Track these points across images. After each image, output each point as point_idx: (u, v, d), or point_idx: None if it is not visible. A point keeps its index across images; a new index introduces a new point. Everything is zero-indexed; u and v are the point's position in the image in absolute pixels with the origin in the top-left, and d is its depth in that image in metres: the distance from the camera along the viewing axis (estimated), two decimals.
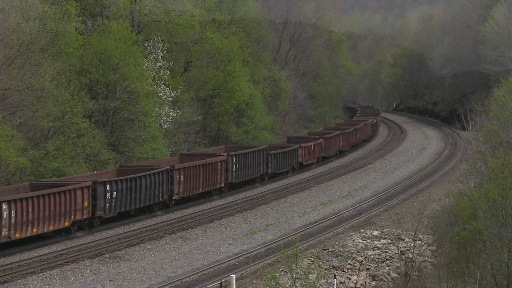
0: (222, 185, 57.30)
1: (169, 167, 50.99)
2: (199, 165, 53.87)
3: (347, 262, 41.96)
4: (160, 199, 50.18)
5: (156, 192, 49.38)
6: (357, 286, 37.91)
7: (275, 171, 66.44)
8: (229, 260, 40.08)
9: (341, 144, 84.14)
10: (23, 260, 38.11)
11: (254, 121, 78.46)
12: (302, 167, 73.00)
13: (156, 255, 41.20)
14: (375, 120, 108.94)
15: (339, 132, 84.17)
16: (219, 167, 56.41)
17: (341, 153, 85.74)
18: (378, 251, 44.63)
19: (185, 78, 71.58)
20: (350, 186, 65.96)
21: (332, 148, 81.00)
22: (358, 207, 56.53)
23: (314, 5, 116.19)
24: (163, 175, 50.05)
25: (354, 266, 41.23)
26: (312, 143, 74.16)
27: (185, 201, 54.23)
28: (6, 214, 37.67)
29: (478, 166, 41.98)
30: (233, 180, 59.07)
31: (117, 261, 39.43)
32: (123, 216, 48.41)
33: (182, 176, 51.76)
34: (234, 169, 58.73)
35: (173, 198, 51.46)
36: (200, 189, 54.42)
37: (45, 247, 41.04)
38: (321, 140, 77.01)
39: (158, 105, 62.20)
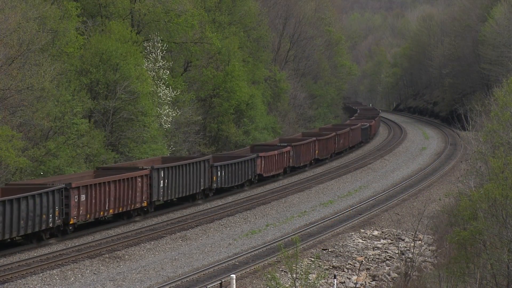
0: (144, 204, 48.42)
1: (64, 185, 42.24)
2: (108, 181, 45.15)
3: (347, 262, 41.96)
4: (51, 224, 41.21)
5: (45, 217, 40.79)
6: (357, 286, 37.90)
7: (223, 185, 57.70)
8: (229, 260, 40.08)
9: (316, 152, 75.94)
10: (23, 260, 38.10)
11: (254, 122, 78.45)
12: (263, 180, 64.76)
13: (156, 255, 41.20)
14: (368, 124, 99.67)
15: (314, 138, 75.69)
16: (140, 184, 47.62)
17: (318, 161, 77.59)
18: (378, 251, 44.63)
19: (185, 78, 71.58)
20: (350, 186, 65.97)
21: (304, 156, 72.49)
22: (358, 207, 56.53)
23: (314, 5, 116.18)
24: (52, 196, 41.15)
25: (354, 266, 41.22)
26: (275, 152, 65.61)
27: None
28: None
29: (478, 166, 41.97)
30: (161, 198, 50.21)
31: (117, 261, 39.43)
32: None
33: (82, 196, 43.09)
34: (162, 185, 49.70)
35: (70, 222, 42.69)
36: (111, 211, 45.64)
37: (45, 247, 41.03)
38: (288, 148, 68.62)
39: (158, 105, 62.19)
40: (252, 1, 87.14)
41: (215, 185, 56.31)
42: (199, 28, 68.73)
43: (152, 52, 64.79)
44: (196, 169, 53.74)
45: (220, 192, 58.40)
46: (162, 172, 50.02)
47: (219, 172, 56.61)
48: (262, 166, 63.31)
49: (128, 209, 47.34)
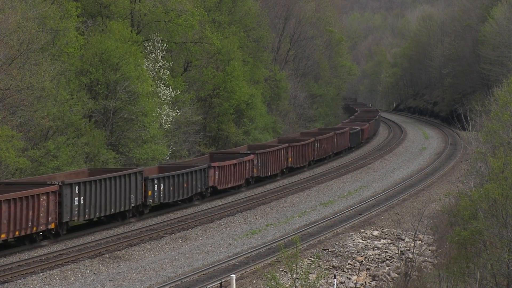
0: (52, 226, 41.72)
1: None
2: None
3: (347, 262, 41.96)
4: None
5: None
6: (357, 286, 37.90)
7: (164, 200, 50.83)
8: (229, 260, 40.07)
9: (289, 160, 69.48)
10: (23, 260, 38.09)
11: (254, 122, 78.44)
12: (218, 193, 57.99)
13: (156, 255, 41.20)
14: (359, 128, 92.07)
15: (286, 145, 69.17)
16: (44, 202, 40.97)
17: (293, 170, 71.39)
18: (378, 251, 44.63)
19: (185, 78, 71.58)
20: (350, 186, 65.96)
21: (273, 165, 65.77)
22: (358, 207, 56.53)
23: (314, 5, 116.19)
24: None
25: (354, 266, 41.22)
26: (234, 161, 58.94)
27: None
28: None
29: (478, 166, 41.97)
30: (76, 218, 43.38)
31: (117, 261, 39.43)
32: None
33: None
34: (77, 203, 43.13)
35: None
36: (3, 235, 38.66)
37: (45, 247, 41.03)
38: (251, 156, 61.93)
39: (158, 105, 62.19)
40: (252, 1, 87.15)
41: (150, 200, 49.41)
42: (199, 28, 68.74)
43: (152, 52, 64.80)
44: (124, 183, 46.97)
45: (159, 208, 52.10)
46: (76, 188, 43.12)
47: (156, 186, 49.65)
48: (217, 177, 56.32)
49: (28, 232, 40.37)
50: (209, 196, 56.46)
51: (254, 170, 62.55)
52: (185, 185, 52.69)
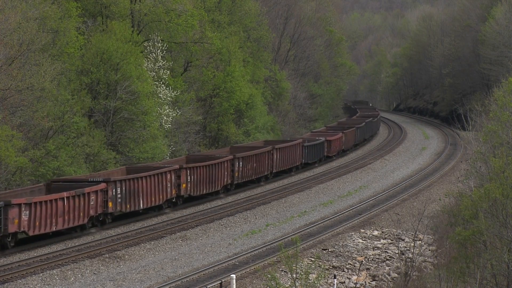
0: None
1: None
2: None
3: (347, 262, 41.96)
4: None
5: None
6: (357, 286, 37.90)
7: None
8: (229, 260, 40.08)
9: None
10: (23, 260, 38.10)
11: (254, 122, 78.44)
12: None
13: (156, 255, 41.20)
14: (323, 140, 76.93)
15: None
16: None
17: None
18: (378, 251, 44.64)
19: (185, 78, 71.57)
20: (350, 186, 65.96)
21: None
22: (358, 207, 56.54)
23: (314, 5, 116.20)
24: None
25: (354, 266, 41.23)
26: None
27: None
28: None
29: (478, 166, 41.98)
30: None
31: (117, 261, 39.43)
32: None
33: None
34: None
35: None
36: None
37: (45, 247, 41.03)
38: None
39: (159, 104, 62.19)
40: (252, 1, 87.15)
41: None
42: (199, 28, 68.74)
43: (152, 52, 64.80)
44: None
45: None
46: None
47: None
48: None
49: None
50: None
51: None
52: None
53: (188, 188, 52.20)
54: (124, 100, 56.61)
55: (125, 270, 37.84)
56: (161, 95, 63.25)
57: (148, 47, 64.78)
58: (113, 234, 44.90)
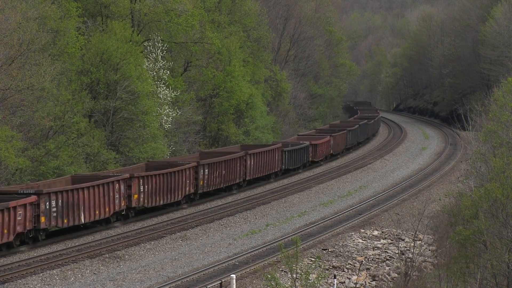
0: None
1: None
2: None
3: (347, 262, 41.96)
4: None
5: None
6: (357, 286, 37.90)
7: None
8: (229, 260, 40.08)
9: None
10: (23, 260, 38.09)
11: (254, 122, 78.43)
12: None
13: (156, 255, 41.20)
14: (307, 144, 72.49)
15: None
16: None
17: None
18: (378, 251, 44.64)
19: (185, 78, 71.57)
20: (350, 186, 65.96)
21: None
22: (358, 207, 56.54)
23: (314, 5, 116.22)
24: None
25: (354, 266, 41.23)
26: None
27: None
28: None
29: (478, 166, 41.99)
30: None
31: (117, 261, 39.43)
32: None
33: None
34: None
35: None
36: None
37: (45, 247, 41.03)
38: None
39: (158, 104, 62.20)
40: (252, 1, 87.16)
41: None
42: (199, 28, 68.75)
43: (153, 52, 64.80)
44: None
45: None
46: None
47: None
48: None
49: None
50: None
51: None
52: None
53: (141, 199, 47.32)
54: (124, 100, 56.62)
55: (125, 270, 37.85)
56: (161, 95, 63.25)
57: (148, 47, 64.79)
58: (113, 234, 44.90)
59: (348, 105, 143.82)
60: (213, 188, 55.81)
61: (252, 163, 60.75)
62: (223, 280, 35.20)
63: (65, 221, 41.72)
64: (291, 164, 68.64)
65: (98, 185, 43.78)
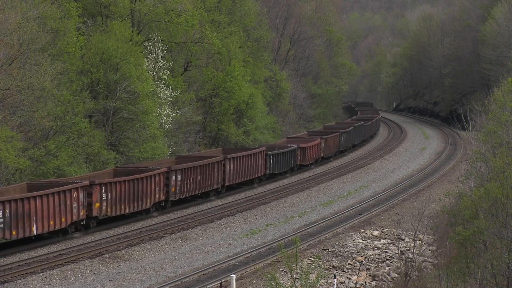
0: None
1: None
2: None
3: (347, 262, 41.97)
4: None
5: None
6: (357, 286, 37.90)
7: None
8: (229, 260, 40.09)
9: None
10: (23, 260, 38.10)
11: (254, 122, 78.44)
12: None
13: (156, 255, 41.21)
14: (295, 146, 69.42)
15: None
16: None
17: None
18: (378, 251, 44.64)
19: (185, 78, 71.58)
20: (350, 186, 65.96)
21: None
22: (358, 207, 56.54)
23: (314, 5, 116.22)
24: None
25: (354, 266, 41.23)
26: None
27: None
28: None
29: (478, 166, 42.00)
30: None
31: (117, 261, 39.44)
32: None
33: None
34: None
35: None
36: None
37: (45, 247, 41.03)
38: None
39: (159, 105, 62.20)
40: (252, 1, 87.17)
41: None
42: (199, 28, 68.76)
43: (153, 52, 64.81)
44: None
45: None
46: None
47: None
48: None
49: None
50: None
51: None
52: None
53: (104, 208, 44.38)
54: (124, 100, 56.62)
55: (125, 270, 37.85)
56: (161, 95, 63.26)
57: (149, 47, 64.80)
58: (113, 234, 44.90)
59: (350, 105, 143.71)
60: (188, 195, 52.84)
61: (231, 167, 57.95)
62: (223, 280, 35.21)
63: (14, 232, 38.66)
64: (276, 169, 66.02)
65: (53, 194, 40.86)
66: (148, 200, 48.15)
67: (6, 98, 46.26)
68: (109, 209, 44.84)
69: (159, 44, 64.89)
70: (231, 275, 34.46)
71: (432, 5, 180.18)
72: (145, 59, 62.98)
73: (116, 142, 57.29)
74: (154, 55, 64.74)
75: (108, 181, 44.86)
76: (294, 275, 30.31)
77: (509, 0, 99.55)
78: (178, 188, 51.13)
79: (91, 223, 44.36)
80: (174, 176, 50.61)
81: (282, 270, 37.70)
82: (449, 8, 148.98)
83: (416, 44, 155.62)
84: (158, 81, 64.02)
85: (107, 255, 40.14)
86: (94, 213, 43.82)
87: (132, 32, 61.59)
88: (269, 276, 30.63)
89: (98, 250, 40.68)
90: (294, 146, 69.63)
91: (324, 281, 37.09)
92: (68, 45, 54.95)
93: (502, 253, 29.79)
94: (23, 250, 40.08)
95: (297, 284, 30.49)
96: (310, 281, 30.95)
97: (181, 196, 51.81)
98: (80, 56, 56.60)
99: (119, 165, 52.85)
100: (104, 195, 44.30)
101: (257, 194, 60.06)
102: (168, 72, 65.44)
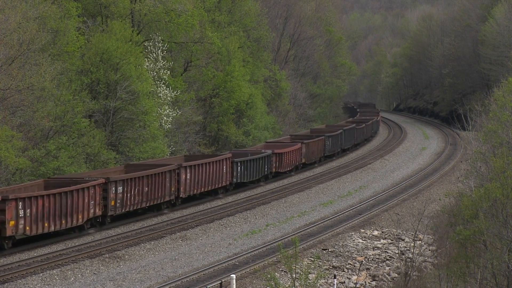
0: None
1: None
2: None
3: (347, 262, 41.96)
4: None
5: None
6: (357, 286, 37.90)
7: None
8: (229, 260, 40.08)
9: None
10: (23, 260, 38.08)
11: (254, 121, 78.44)
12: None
13: (156, 255, 41.20)
14: (269, 152, 64.46)
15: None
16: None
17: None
18: (378, 251, 44.64)
19: (185, 78, 71.58)
20: (350, 186, 65.95)
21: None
22: (358, 207, 56.54)
23: (314, 5, 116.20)
24: None
25: (354, 266, 41.23)
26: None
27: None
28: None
29: (478, 166, 42.00)
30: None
31: (117, 261, 39.43)
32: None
33: None
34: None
35: None
36: None
37: (45, 247, 41.02)
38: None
39: (159, 105, 62.21)
40: (252, 1, 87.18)
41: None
42: (199, 28, 68.77)
43: (153, 52, 64.81)
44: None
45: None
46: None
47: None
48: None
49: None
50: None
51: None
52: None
53: (21, 226, 38.79)
54: (124, 100, 56.62)
55: (125, 270, 37.85)
56: (161, 95, 63.26)
57: (149, 47, 64.81)
58: (113, 234, 44.89)
59: (352, 106, 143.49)
60: (131, 209, 47.30)
61: (188, 177, 52.57)
62: (223, 280, 35.21)
63: None
64: (245, 177, 60.56)
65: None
66: (81, 216, 42.47)
67: (6, 98, 46.26)
68: (28, 228, 39.09)
69: (159, 44, 64.90)
70: (231, 275, 34.46)
71: (432, 5, 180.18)
72: (146, 59, 62.99)
73: (116, 142, 57.29)
74: (154, 55, 64.75)
75: (27, 196, 38.85)
76: (294, 275, 30.31)
77: (509, 0, 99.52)
78: (119, 201, 45.57)
79: (5, 244, 38.80)
80: (113, 188, 44.94)
81: (282, 270, 37.70)
82: (449, 8, 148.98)
83: (416, 44, 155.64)
84: (158, 81, 64.02)
85: (107, 255, 40.14)
86: (9, 233, 38.14)
87: (132, 32, 61.59)
88: (269, 276, 30.65)
89: (98, 250, 40.66)
90: (268, 152, 64.33)
91: (324, 281, 37.09)
92: (68, 45, 54.94)
93: (502, 253, 29.79)
94: (23, 250, 40.07)
95: (296, 284, 30.49)
96: (310, 281, 30.96)
97: (124, 210, 46.51)
98: (80, 56, 56.60)
99: (50, 176, 46.75)
100: (22, 212, 38.44)
101: (257, 194, 60.07)
102: (168, 72, 65.44)
